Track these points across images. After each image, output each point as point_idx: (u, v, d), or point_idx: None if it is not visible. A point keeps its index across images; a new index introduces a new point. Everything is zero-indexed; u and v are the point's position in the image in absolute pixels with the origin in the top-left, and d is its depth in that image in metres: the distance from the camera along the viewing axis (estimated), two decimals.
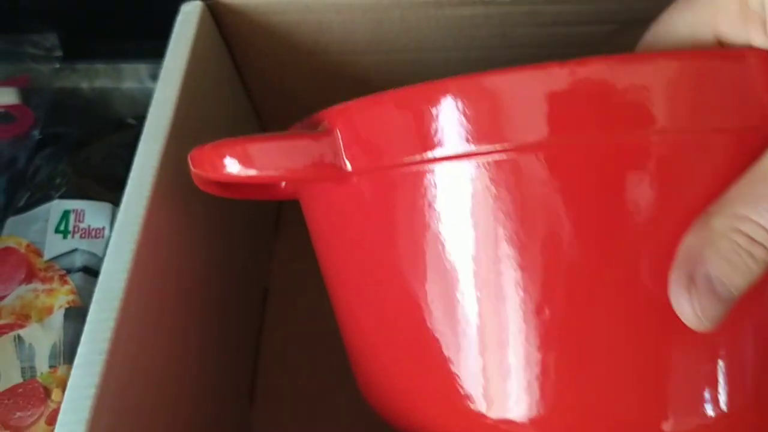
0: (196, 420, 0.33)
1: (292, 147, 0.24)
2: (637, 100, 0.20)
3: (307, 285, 0.32)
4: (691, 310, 0.20)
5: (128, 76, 0.50)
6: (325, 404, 0.40)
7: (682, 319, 0.20)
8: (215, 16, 0.39)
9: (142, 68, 0.50)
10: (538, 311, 0.21)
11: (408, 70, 0.42)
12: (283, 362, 0.42)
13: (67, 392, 0.26)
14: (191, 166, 0.26)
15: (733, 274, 0.19)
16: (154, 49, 0.38)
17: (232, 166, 0.24)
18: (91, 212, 0.37)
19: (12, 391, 0.34)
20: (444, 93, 0.21)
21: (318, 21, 0.41)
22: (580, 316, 0.21)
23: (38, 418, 0.34)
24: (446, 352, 0.23)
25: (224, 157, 0.24)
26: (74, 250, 0.36)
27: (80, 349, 0.27)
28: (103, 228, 0.37)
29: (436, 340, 0.23)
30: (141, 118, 0.32)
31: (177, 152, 0.33)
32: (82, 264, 0.36)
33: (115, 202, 0.38)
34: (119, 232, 0.29)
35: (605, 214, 0.21)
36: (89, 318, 0.27)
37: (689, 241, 0.20)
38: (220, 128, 0.39)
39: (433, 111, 0.21)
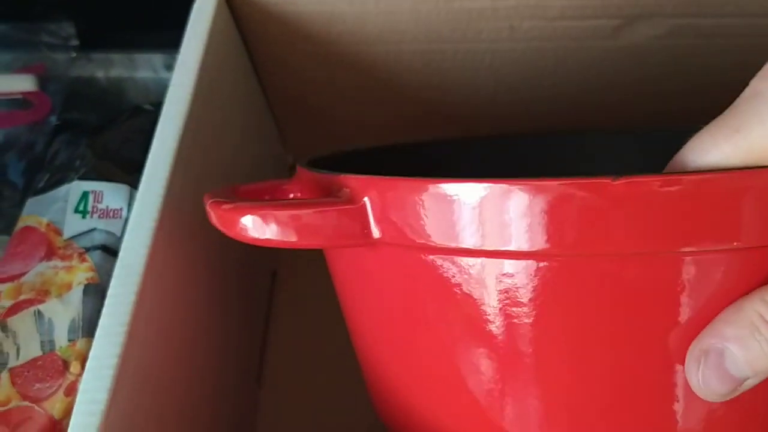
0: (208, 396, 0.34)
1: (319, 217, 0.23)
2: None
3: (316, 269, 0.33)
4: (696, 380, 0.21)
5: (143, 66, 0.52)
6: (332, 390, 0.41)
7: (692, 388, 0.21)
8: (230, 6, 0.40)
9: (157, 58, 0.51)
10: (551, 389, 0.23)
11: (417, 60, 0.43)
12: (292, 346, 0.43)
13: (89, 362, 0.27)
14: (209, 216, 0.26)
15: (745, 356, 0.20)
16: (168, 40, 0.39)
17: (253, 231, 0.24)
18: (110, 193, 0.38)
19: (32, 363, 0.35)
20: (489, 193, 0.21)
21: (330, 12, 0.42)
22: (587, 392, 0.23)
23: (57, 390, 0.35)
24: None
25: (245, 221, 0.24)
26: (92, 230, 0.37)
27: (102, 321, 0.28)
28: (121, 209, 0.39)
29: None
30: (158, 105, 0.33)
31: (194, 137, 0.34)
32: (100, 242, 0.37)
33: (133, 184, 0.40)
34: (139, 212, 0.30)
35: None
36: (110, 292, 0.28)
37: (718, 317, 0.21)
38: (234, 115, 0.40)
39: (477, 209, 0.21)
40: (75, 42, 0.51)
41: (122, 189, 0.39)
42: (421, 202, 0.22)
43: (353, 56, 0.44)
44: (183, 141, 0.32)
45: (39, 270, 0.37)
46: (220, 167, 0.37)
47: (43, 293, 0.37)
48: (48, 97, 0.47)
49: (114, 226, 0.38)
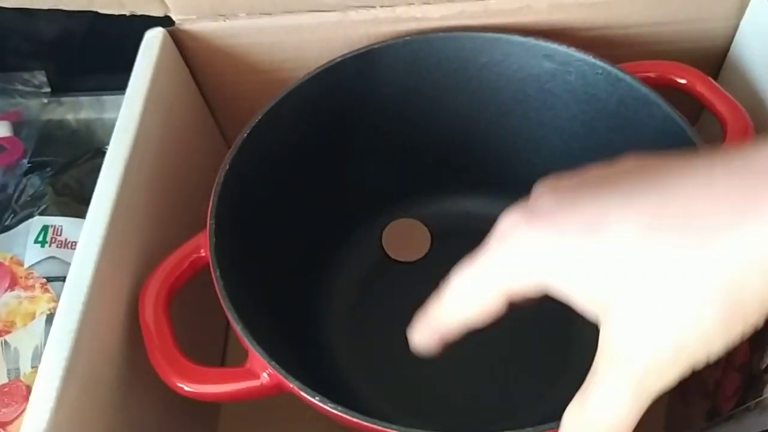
0: (157, 402, 0.37)
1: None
2: None
3: None
4: None
5: (110, 107, 0.55)
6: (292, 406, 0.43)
7: None
8: (176, 41, 0.44)
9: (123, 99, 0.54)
10: None
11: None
12: None
13: (41, 366, 0.30)
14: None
15: None
16: None
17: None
18: (68, 227, 0.42)
19: None
20: None
21: (270, 42, 0.45)
22: None
23: (21, 413, 0.38)
24: None
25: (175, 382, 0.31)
26: (51, 258, 0.41)
27: (52, 330, 0.31)
28: None
29: None
30: None
31: (139, 167, 0.37)
32: (62, 274, 0.40)
33: None
34: (87, 229, 0.34)
35: None
36: (61, 300, 0.31)
37: None
38: (184, 141, 0.44)
39: None
40: (47, 89, 0.55)
41: (81, 223, 0.42)
42: None
43: (295, 81, 0.47)
44: (127, 173, 0.36)
45: (4, 301, 0.40)
46: (167, 194, 0.40)
47: (9, 324, 0.40)
48: (21, 142, 0.51)
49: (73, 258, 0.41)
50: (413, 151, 0.47)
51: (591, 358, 0.41)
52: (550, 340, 0.44)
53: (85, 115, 0.55)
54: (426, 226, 0.49)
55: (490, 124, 0.46)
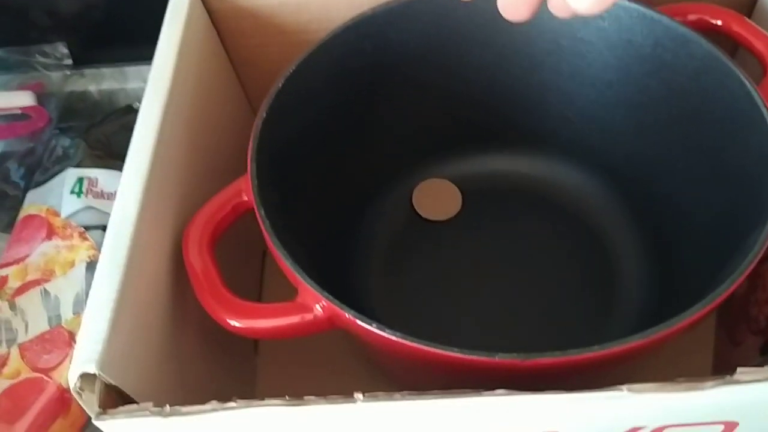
0: (201, 337, 0.36)
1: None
2: None
3: None
4: None
5: (133, 77, 0.55)
6: (327, 347, 0.43)
7: None
8: (204, 4, 0.44)
9: (146, 69, 0.54)
10: None
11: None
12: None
13: (89, 300, 0.29)
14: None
15: None
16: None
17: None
18: (104, 179, 0.41)
19: (40, 338, 0.38)
20: None
21: (297, 2, 0.45)
22: None
23: (64, 359, 0.37)
24: None
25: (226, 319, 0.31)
26: (88, 208, 0.40)
27: (100, 265, 0.30)
28: (116, 192, 0.41)
29: None
30: None
31: (174, 119, 0.37)
32: (100, 223, 0.40)
33: None
34: (128, 172, 0.33)
35: None
36: (107, 238, 0.31)
37: None
38: (211, 101, 0.43)
39: None
40: (68, 61, 0.54)
41: (117, 175, 0.42)
42: None
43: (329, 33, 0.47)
44: (163, 126, 0.35)
45: (42, 250, 0.39)
46: (199, 151, 0.40)
47: (48, 273, 0.39)
48: (45, 111, 0.51)
49: (110, 208, 0.40)
50: (442, 107, 0.46)
51: (637, 296, 0.42)
52: (593, 282, 0.43)
53: (107, 86, 0.55)
54: (456, 185, 0.48)
55: (521, 78, 0.46)
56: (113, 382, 0.27)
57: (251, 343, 0.44)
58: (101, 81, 0.55)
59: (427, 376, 0.34)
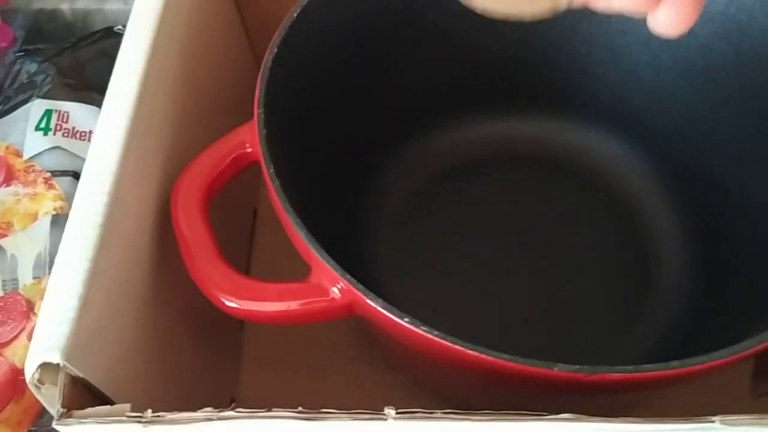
0: (188, 316, 0.31)
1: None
2: None
3: None
4: None
5: None
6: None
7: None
8: None
9: None
10: None
11: None
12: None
13: (54, 268, 0.24)
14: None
15: None
16: None
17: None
18: (77, 114, 0.35)
19: None
20: None
21: None
22: None
23: (19, 333, 0.31)
24: None
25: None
26: (56, 148, 0.34)
27: (68, 226, 0.24)
28: (91, 132, 0.35)
29: None
30: None
31: (165, 49, 0.31)
32: (70, 168, 0.33)
33: None
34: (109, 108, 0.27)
35: None
36: (79, 192, 0.25)
37: None
38: (209, 34, 0.37)
39: None
40: None
41: (92, 111, 0.35)
42: None
43: None
44: (152, 56, 0.29)
45: None
46: (194, 89, 0.34)
47: (4, 225, 0.33)
48: (9, 29, 0.44)
49: (83, 150, 0.34)
50: (471, 60, 0.41)
51: (677, 288, 0.37)
52: (627, 269, 0.39)
53: (82, 5, 0.47)
54: (476, 149, 0.43)
55: (563, 30, 0.40)
56: (81, 375, 0.22)
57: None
58: None
59: (450, 375, 0.29)
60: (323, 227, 0.33)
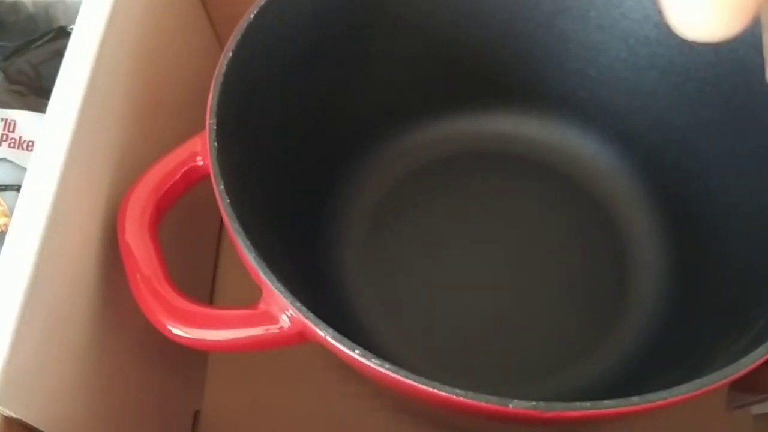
0: (144, 341, 0.30)
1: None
2: None
3: None
4: None
5: None
6: None
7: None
8: None
9: None
10: None
11: None
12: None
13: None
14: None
15: None
16: None
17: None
18: (24, 123, 0.33)
19: None
20: None
21: None
22: None
23: None
24: None
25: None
26: (2, 160, 0.32)
27: (5, 250, 0.23)
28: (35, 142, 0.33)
29: None
30: None
31: (117, 46, 0.30)
32: (15, 182, 0.32)
33: None
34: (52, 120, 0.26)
35: None
36: (16, 213, 0.24)
37: None
38: (167, 28, 0.35)
39: None
40: None
41: (42, 120, 0.34)
42: None
43: None
44: (100, 58, 0.28)
45: None
46: (148, 93, 0.32)
47: None
48: None
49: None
50: (444, 55, 0.39)
51: (654, 293, 0.36)
52: (602, 271, 0.38)
53: None
54: (452, 147, 0.41)
55: (540, 26, 0.38)
56: (15, 415, 0.21)
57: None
58: None
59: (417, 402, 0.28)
60: (283, 243, 0.32)
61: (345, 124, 0.37)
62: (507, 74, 0.40)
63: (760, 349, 0.23)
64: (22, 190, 0.25)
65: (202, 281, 0.39)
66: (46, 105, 0.35)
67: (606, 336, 0.36)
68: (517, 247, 0.38)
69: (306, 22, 0.33)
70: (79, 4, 0.46)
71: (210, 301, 0.39)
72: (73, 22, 0.45)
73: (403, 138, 0.40)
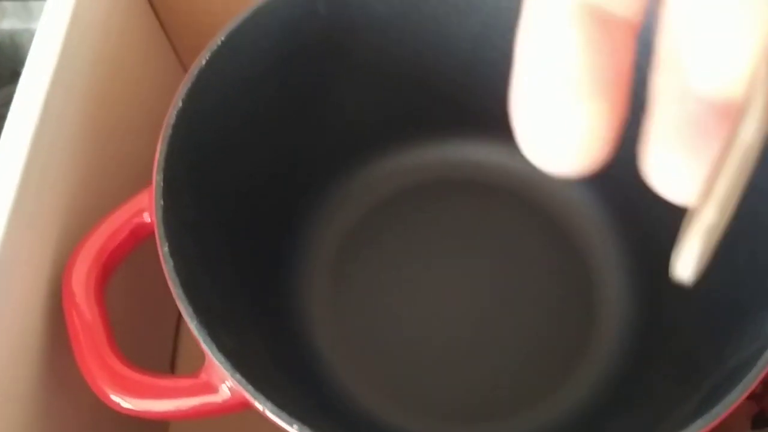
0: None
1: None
2: None
3: None
4: None
5: (40, 16, 0.45)
6: None
7: None
8: None
9: None
10: None
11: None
12: None
13: None
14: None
15: None
16: None
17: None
18: None
19: None
20: None
21: None
22: None
23: None
24: None
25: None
26: None
27: None
28: None
29: None
30: None
31: (66, 97, 0.29)
32: None
33: None
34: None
35: None
36: None
37: None
38: (129, 69, 0.35)
39: None
40: None
41: None
42: None
43: None
44: (48, 106, 0.27)
45: None
46: (100, 141, 0.32)
47: None
48: None
49: None
50: (409, 87, 0.38)
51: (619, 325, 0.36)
52: (568, 301, 0.37)
53: (8, 24, 0.45)
54: (417, 175, 0.41)
55: (505, 55, 0.37)
56: None
57: None
58: (1, 17, 0.45)
59: None
60: (244, 288, 0.32)
61: (309, 163, 0.37)
62: (475, 102, 0.39)
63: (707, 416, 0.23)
64: None
65: (164, 338, 0.39)
66: None
67: (569, 374, 0.35)
68: (484, 279, 0.38)
69: (265, 65, 0.33)
70: None
71: (173, 358, 0.39)
72: None
73: (371, 169, 0.40)
